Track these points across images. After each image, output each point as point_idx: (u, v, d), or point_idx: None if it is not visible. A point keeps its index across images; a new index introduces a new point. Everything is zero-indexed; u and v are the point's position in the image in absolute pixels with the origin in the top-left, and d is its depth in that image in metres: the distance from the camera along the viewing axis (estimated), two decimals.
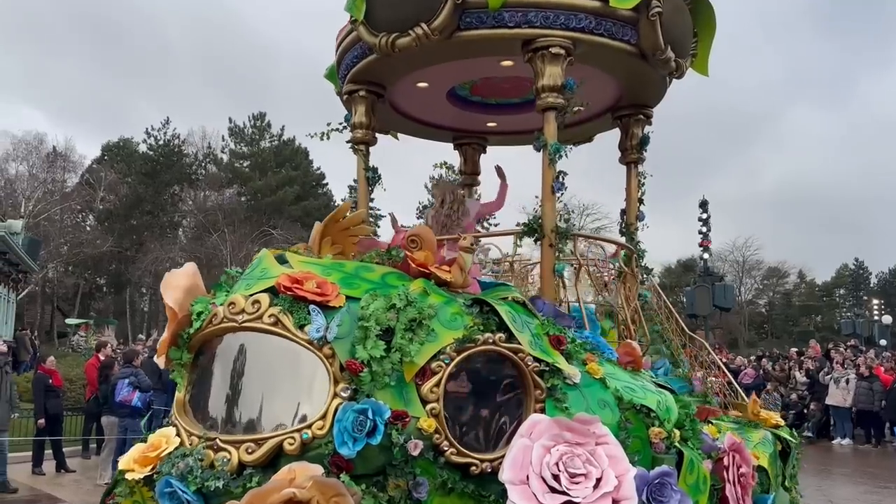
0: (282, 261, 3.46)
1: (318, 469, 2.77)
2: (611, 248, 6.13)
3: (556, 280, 4.77)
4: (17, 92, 65.71)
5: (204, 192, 48.20)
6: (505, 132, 6.96)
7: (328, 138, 5.56)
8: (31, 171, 42.47)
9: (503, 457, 2.94)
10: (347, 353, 2.93)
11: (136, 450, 3.28)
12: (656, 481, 3.06)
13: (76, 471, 11.22)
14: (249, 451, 2.90)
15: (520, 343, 3.17)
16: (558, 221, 4.52)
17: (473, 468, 2.95)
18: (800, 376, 17.47)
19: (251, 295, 3.17)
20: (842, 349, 18.63)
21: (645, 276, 6.02)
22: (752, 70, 78.86)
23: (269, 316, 3.07)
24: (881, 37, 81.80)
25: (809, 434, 15.99)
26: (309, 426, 2.85)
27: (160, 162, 47.71)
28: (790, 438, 5.05)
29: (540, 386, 3.13)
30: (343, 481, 2.74)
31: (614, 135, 6.33)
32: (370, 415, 2.77)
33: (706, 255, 25.65)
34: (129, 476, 3.17)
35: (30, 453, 10.99)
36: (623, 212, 6.16)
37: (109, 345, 15.39)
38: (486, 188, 7.12)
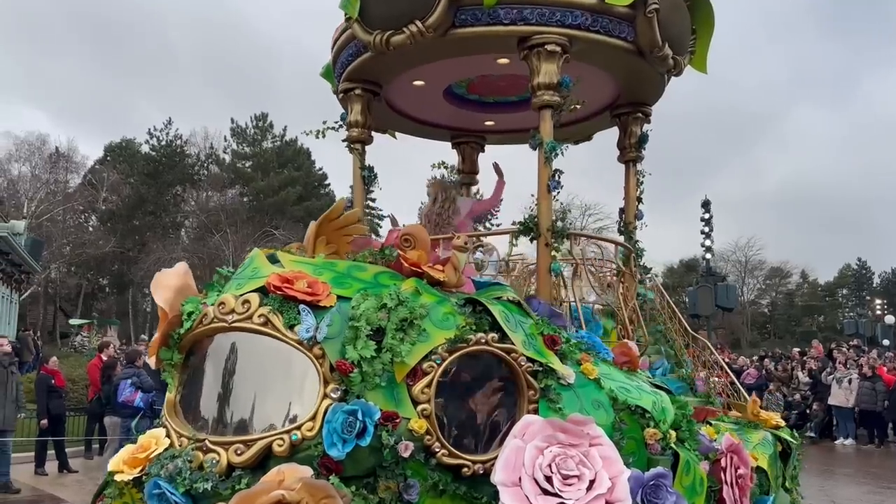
0: (273, 260, 3.43)
1: (307, 471, 2.74)
2: (612, 248, 6.09)
3: (556, 279, 4.73)
4: (19, 92, 65.98)
5: (206, 193, 48.24)
6: (503, 131, 6.92)
7: (323, 136, 5.52)
8: (34, 172, 42.56)
9: (496, 458, 2.91)
10: (338, 354, 2.90)
11: (126, 451, 3.26)
12: (651, 483, 3.02)
13: (79, 471, 11.23)
14: (238, 452, 2.87)
15: (513, 343, 3.13)
16: (554, 220, 4.47)
17: (465, 470, 2.92)
18: (802, 376, 17.41)
19: (241, 295, 3.14)
20: (844, 349, 18.55)
21: (643, 275, 5.97)
22: (755, 70, 78.78)
23: (259, 316, 3.04)
24: (885, 36, 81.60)
25: (812, 434, 15.94)
26: (298, 427, 2.82)
27: (162, 162, 47.79)
28: (790, 439, 5.00)
29: (533, 386, 3.10)
30: (332, 483, 2.71)
31: (615, 133, 6.29)
32: (360, 416, 2.74)
33: (708, 255, 25.59)
34: (118, 477, 3.15)
35: (32, 454, 11.02)
36: (622, 211, 6.12)
37: (112, 345, 15.41)
38: (486, 187, 7.08)
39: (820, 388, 16.42)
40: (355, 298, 3.05)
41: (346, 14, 4.80)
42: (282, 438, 2.81)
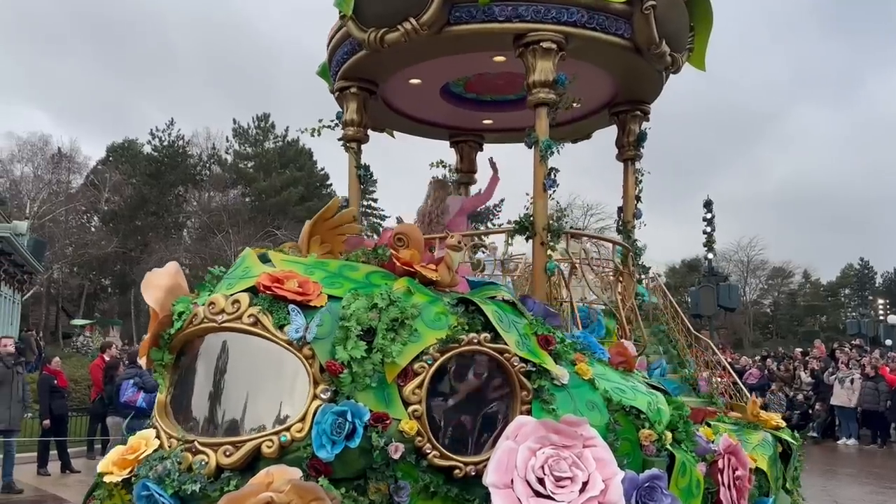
0: (264, 260, 3.40)
1: (296, 472, 2.71)
2: (611, 247, 6.06)
3: (557, 279, 4.69)
4: (21, 93, 66.06)
5: (208, 193, 48.26)
6: (501, 129, 6.88)
7: (319, 134, 5.50)
8: (36, 173, 42.61)
9: (488, 460, 2.87)
10: (328, 354, 2.87)
11: (116, 452, 3.24)
12: (646, 485, 2.98)
13: (81, 471, 11.22)
14: (227, 453, 2.84)
15: (506, 343, 3.09)
16: (550, 219, 4.43)
17: (457, 471, 2.88)
18: (805, 376, 17.34)
19: (231, 294, 3.11)
20: (846, 349, 18.47)
21: (642, 274, 5.94)
22: (757, 69, 78.57)
23: (249, 316, 3.01)
24: (888, 36, 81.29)
25: (815, 434, 15.88)
26: (287, 429, 2.79)
27: (165, 163, 47.79)
28: (791, 440, 4.95)
29: (526, 387, 3.06)
30: (322, 485, 2.68)
31: (615, 132, 6.25)
32: (349, 417, 2.71)
33: (711, 255, 25.53)
34: (107, 479, 3.14)
35: (35, 454, 11.01)
36: (620, 209, 6.08)
37: (114, 345, 15.41)
38: (484, 185, 7.03)
39: (822, 388, 16.36)
40: (346, 298, 3.02)
41: (340, 12, 4.77)
42: (271, 440, 2.79)
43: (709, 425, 4.25)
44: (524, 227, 4.41)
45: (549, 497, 2.71)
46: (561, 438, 2.87)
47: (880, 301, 41.11)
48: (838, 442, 15.55)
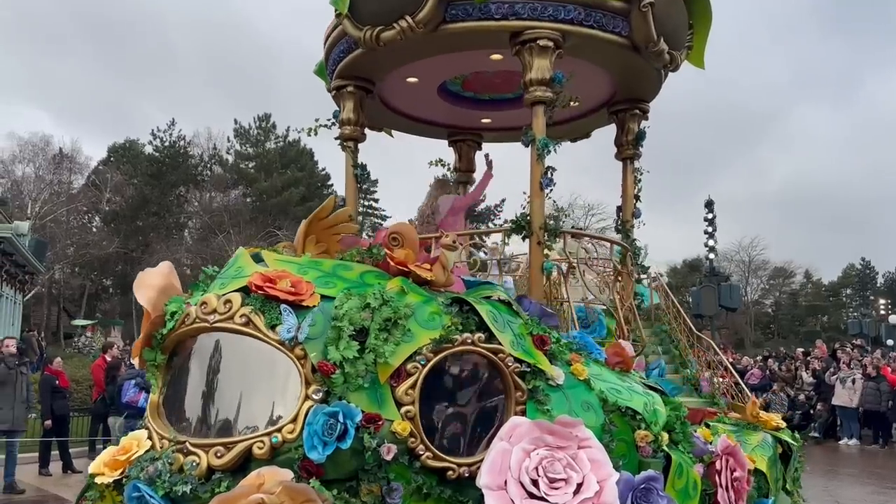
0: (258, 259, 3.37)
1: (287, 474, 2.68)
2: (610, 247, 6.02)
3: (558, 278, 4.66)
4: (22, 93, 66.14)
5: (209, 194, 48.29)
6: (499, 128, 6.86)
7: (315, 134, 5.48)
8: (38, 173, 42.67)
9: (482, 461, 2.84)
10: (320, 354, 2.84)
11: (107, 453, 3.21)
12: (642, 486, 2.94)
13: (83, 472, 11.19)
14: (218, 454, 2.81)
15: (500, 343, 3.06)
16: (547, 218, 4.40)
17: (451, 473, 2.85)
18: (806, 376, 17.30)
19: (223, 294, 3.08)
20: (848, 349, 18.42)
21: (641, 274, 5.90)
22: (758, 69, 78.48)
23: (241, 316, 2.97)
24: (887, 37, 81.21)
25: (816, 434, 15.84)
26: (279, 430, 2.76)
27: (166, 163, 47.81)
28: (791, 441, 4.92)
29: (521, 387, 3.03)
30: (313, 486, 2.65)
31: (614, 131, 6.21)
32: (341, 418, 2.68)
33: (712, 255, 25.49)
34: (98, 480, 3.11)
35: (36, 454, 11.03)
36: (619, 209, 6.05)
37: (116, 346, 15.42)
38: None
39: (824, 388, 16.32)
40: (338, 298, 2.99)
41: (336, 10, 4.74)
42: (262, 441, 2.75)
43: (707, 426, 4.22)
44: (521, 226, 4.38)
45: (542, 499, 2.68)
46: (555, 439, 2.84)
47: (882, 301, 41.06)
48: (840, 442, 15.52)
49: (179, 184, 47.82)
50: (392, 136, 6.96)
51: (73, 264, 41.96)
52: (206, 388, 3.05)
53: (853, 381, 15.34)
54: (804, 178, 73.11)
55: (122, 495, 2.99)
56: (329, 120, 5.59)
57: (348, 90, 5.29)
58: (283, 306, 2.93)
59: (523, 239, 4.40)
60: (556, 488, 2.71)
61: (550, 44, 4.36)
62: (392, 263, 3.33)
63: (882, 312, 37.71)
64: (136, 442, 3.15)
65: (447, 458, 2.85)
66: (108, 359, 12.37)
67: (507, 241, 4.57)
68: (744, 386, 6.38)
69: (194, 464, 2.83)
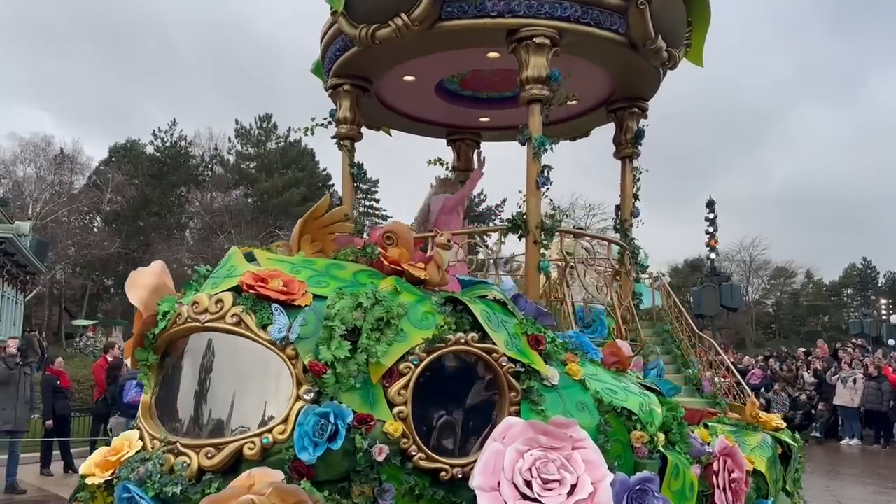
0: (250, 258, 3.34)
1: (278, 475, 2.65)
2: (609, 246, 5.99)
3: (558, 278, 4.62)
4: (23, 94, 66.24)
5: (211, 194, 48.28)
6: (498, 127, 6.83)
7: (312, 133, 5.45)
8: (39, 173, 42.73)
9: (475, 462, 2.81)
10: (311, 354, 2.81)
11: (99, 453, 3.19)
12: (637, 487, 2.91)
13: None
14: (209, 455, 2.78)
15: (494, 343, 3.03)
16: (543, 217, 4.37)
17: (443, 474, 2.81)
18: (807, 376, 17.26)
19: (215, 294, 3.05)
20: (849, 349, 18.36)
21: (640, 273, 5.87)
22: (759, 69, 78.42)
23: (232, 315, 2.94)
24: (890, 36, 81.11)
25: (818, 434, 15.80)
26: (270, 430, 2.73)
27: (167, 163, 47.82)
28: (791, 442, 4.88)
29: (515, 388, 2.99)
30: (304, 488, 2.62)
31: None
32: (332, 418, 2.65)
33: (713, 255, 25.46)
34: (89, 480, 3.09)
35: (38, 454, 11.04)
36: (618, 208, 6.02)
37: (117, 346, 15.39)
38: (482, 184, 6.98)
39: (825, 388, 16.27)
40: (330, 297, 2.96)
41: (331, 8, 4.71)
42: (253, 442, 2.72)
43: (706, 427, 4.18)
44: (517, 225, 4.34)
45: (536, 500, 2.64)
46: (550, 440, 2.80)
47: (883, 301, 40.96)
48: (841, 442, 15.48)
49: (181, 184, 47.82)
50: (391, 135, 6.94)
51: (75, 264, 41.99)
52: (198, 388, 3.03)
53: (854, 381, 15.30)
54: (805, 177, 73.11)
55: (112, 496, 2.96)
56: (325, 119, 5.56)
57: (345, 89, 5.26)
58: (274, 306, 2.90)
59: (519, 238, 4.36)
60: (550, 489, 2.67)
61: (547, 41, 4.34)
62: (386, 262, 3.30)
63: (883, 312, 37.62)
64: (128, 442, 3.13)
65: (440, 458, 2.82)
66: (110, 359, 12.36)
67: (503, 240, 4.54)
68: (745, 386, 6.35)
69: (185, 465, 2.80)
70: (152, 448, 2.97)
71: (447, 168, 7.09)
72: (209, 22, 72.71)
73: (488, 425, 2.93)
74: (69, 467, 11.12)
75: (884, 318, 36.28)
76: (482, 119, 6.69)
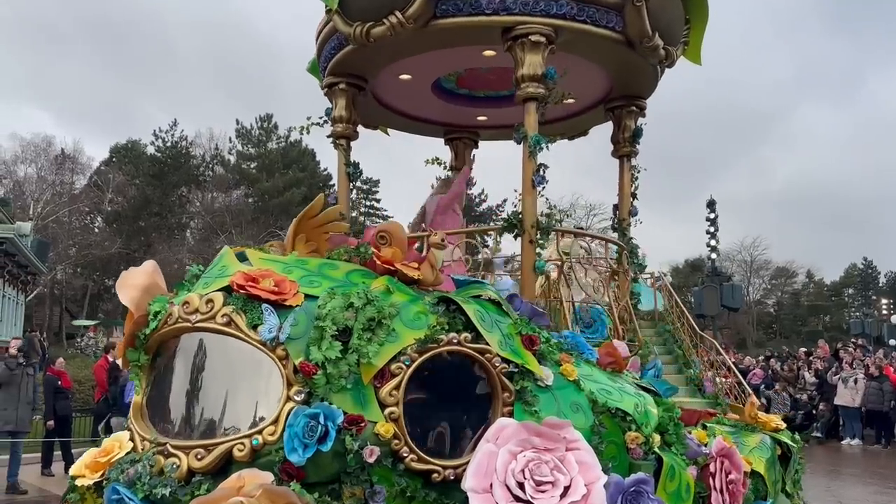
0: (242, 258, 3.31)
1: (268, 476, 2.62)
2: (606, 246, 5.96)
3: (558, 278, 4.58)
4: (24, 94, 66.29)
5: (211, 194, 48.26)
6: (496, 126, 6.79)
7: (307, 132, 5.42)
8: (40, 174, 42.76)
9: (468, 463, 2.77)
10: (302, 355, 2.78)
11: (89, 455, 3.17)
12: (632, 489, 2.87)
13: None
14: (199, 457, 2.76)
15: (488, 343, 2.99)
16: (539, 216, 4.33)
17: (435, 475, 2.78)
18: (808, 376, 17.21)
19: (206, 294, 3.02)
20: (850, 349, 18.31)
21: (638, 273, 5.83)
22: (760, 68, 78.36)
23: (223, 315, 2.92)
24: (890, 35, 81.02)
25: (819, 434, 15.76)
26: (260, 432, 2.70)
27: (168, 164, 47.82)
28: (790, 442, 4.84)
29: (508, 388, 2.96)
30: (294, 489, 2.59)
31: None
32: (322, 420, 2.62)
33: (714, 255, 25.42)
34: (79, 482, 3.07)
35: (39, 454, 11.01)
36: (615, 207, 5.98)
37: (118, 346, 15.34)
38: (481, 183, 6.96)
39: (826, 388, 16.22)
40: (322, 297, 2.93)
41: (326, 6, 4.68)
42: (242, 443, 2.70)
43: (704, 427, 4.15)
44: (512, 224, 4.30)
45: (528, 502, 2.61)
46: (543, 441, 2.77)
47: (884, 301, 40.89)
48: (842, 442, 15.43)
49: (181, 184, 47.82)
50: (388, 134, 6.91)
51: (75, 265, 42.00)
52: (188, 389, 3.00)
53: (855, 381, 15.25)
54: (806, 177, 73.06)
55: (101, 498, 2.94)
56: (321, 118, 5.53)
57: (340, 87, 5.24)
58: (264, 306, 2.87)
59: (515, 238, 4.33)
60: (543, 491, 2.64)
61: (543, 39, 4.30)
62: (378, 262, 3.27)
63: (884, 312, 37.54)
64: (118, 443, 3.10)
65: (432, 460, 2.79)
66: (111, 359, 12.32)
67: (498, 239, 4.50)
68: (746, 386, 6.32)
69: (174, 466, 2.78)
70: (143, 449, 2.94)
71: (445, 168, 7.05)
72: (209, 22, 72.76)
73: (481, 426, 2.90)
74: (70, 468, 11.09)
75: (885, 317, 36.20)
76: (480, 118, 6.66)
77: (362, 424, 2.69)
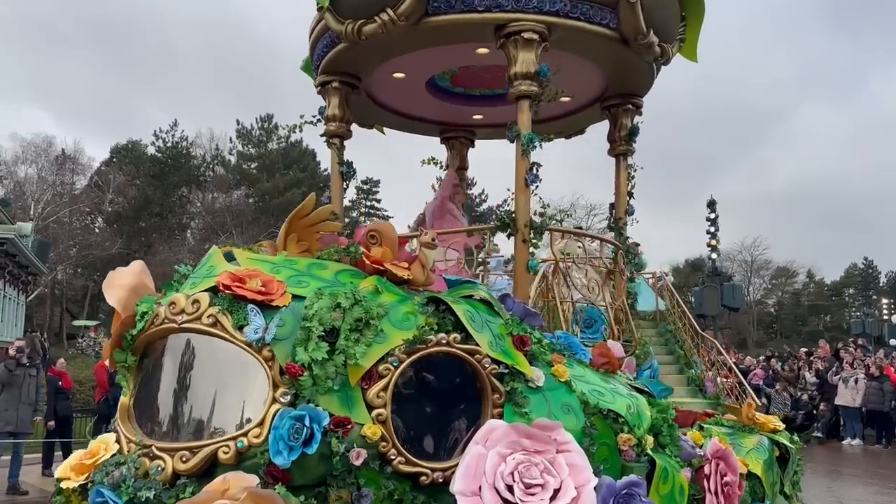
0: (230, 258, 3.27)
1: (253, 479, 2.58)
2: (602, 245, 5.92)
3: (557, 278, 4.54)
4: (24, 94, 66.36)
5: (212, 194, 48.27)
6: (492, 125, 6.76)
7: (300, 130, 5.40)
8: (40, 174, 42.81)
9: (457, 466, 2.73)
10: (288, 356, 2.74)
11: (75, 457, 3.13)
12: (623, 492, 2.83)
13: None
14: (184, 459, 2.71)
15: (477, 344, 2.95)
16: (533, 215, 4.29)
17: (424, 478, 2.74)
18: (809, 376, 17.18)
19: (192, 294, 2.98)
20: (851, 349, 18.26)
21: (635, 272, 5.79)
22: (761, 68, 78.29)
23: (208, 316, 2.87)
24: (891, 35, 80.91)
25: (819, 434, 15.74)
26: (245, 434, 2.66)
27: (168, 164, 47.83)
28: (789, 444, 4.80)
29: (498, 389, 2.92)
30: (279, 492, 2.55)
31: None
32: (307, 422, 2.57)
33: (714, 255, 25.38)
34: (63, 484, 3.03)
35: (39, 455, 11.03)
36: (612, 206, 5.94)
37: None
38: (480, 184, 6.94)
39: (827, 388, 16.20)
40: (309, 298, 2.88)
41: (318, 4, 4.65)
42: (227, 445, 2.65)
43: (701, 428, 4.11)
44: (505, 223, 4.26)
45: None
46: (533, 443, 2.73)
47: (884, 301, 40.81)
48: (843, 442, 15.41)
49: (182, 184, 47.83)
50: (384, 133, 6.88)
51: (76, 265, 42.02)
52: (174, 390, 2.96)
53: (856, 381, 15.21)
54: (807, 177, 73.01)
55: (87, 500, 2.90)
56: (314, 116, 5.50)
57: (333, 86, 5.20)
58: (249, 306, 2.83)
59: (508, 237, 4.29)
60: (532, 494, 2.60)
61: (535, 36, 4.26)
62: (368, 262, 3.23)
63: (885, 312, 37.46)
64: (104, 445, 3.06)
65: (420, 462, 2.75)
66: None
67: (491, 238, 4.46)
68: (747, 386, 6.29)
69: (159, 468, 2.74)
70: (128, 451, 2.90)
71: (441, 167, 7.02)
72: (209, 22, 72.82)
73: (470, 428, 2.86)
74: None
75: (885, 317, 36.13)
76: (476, 116, 6.62)
77: (349, 426, 2.64)
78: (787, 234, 66.07)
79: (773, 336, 50.29)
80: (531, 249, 4.28)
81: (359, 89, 5.36)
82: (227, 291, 2.90)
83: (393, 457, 2.70)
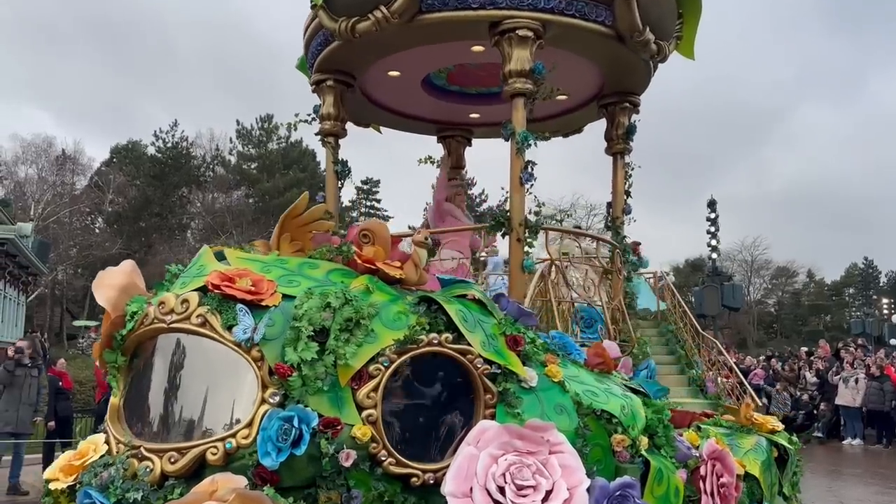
0: (220, 257, 3.24)
1: (241, 481, 2.55)
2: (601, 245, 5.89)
3: (556, 277, 4.51)
4: (24, 94, 66.39)
5: (212, 194, 48.29)
6: (489, 123, 6.72)
7: (295, 129, 5.35)
8: (41, 174, 42.84)
9: (448, 467, 2.70)
10: (277, 356, 2.71)
11: (64, 458, 3.11)
12: (617, 493, 2.79)
13: None
14: (172, 460, 2.69)
15: (470, 344, 2.92)
16: (528, 214, 4.26)
17: (415, 479, 2.71)
18: (810, 376, 17.14)
19: (181, 294, 2.95)
20: (851, 349, 18.22)
21: (630, 272, 5.75)
22: (761, 67, 78.26)
23: (197, 316, 2.85)
24: (891, 34, 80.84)
25: (820, 434, 15.71)
26: (233, 435, 2.63)
27: (168, 164, 47.85)
28: (787, 444, 4.76)
29: (490, 390, 2.88)
30: (268, 494, 2.52)
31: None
32: (296, 423, 2.54)
33: (714, 255, 25.36)
34: (52, 486, 3.01)
35: (40, 455, 10.99)
36: (609, 205, 5.91)
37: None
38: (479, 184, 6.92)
39: (827, 388, 16.16)
40: (299, 297, 2.85)
41: (311, 2, 4.62)
42: (216, 446, 2.63)
43: (698, 429, 4.07)
44: (500, 223, 4.23)
45: None
46: (525, 444, 2.70)
47: (885, 300, 40.76)
48: (843, 442, 15.38)
49: (182, 185, 47.85)
50: (380, 132, 6.85)
51: (76, 265, 42.03)
52: (163, 391, 2.93)
53: (857, 381, 15.18)
54: (807, 176, 72.97)
55: (75, 501, 2.88)
56: (309, 115, 5.47)
57: (328, 84, 5.17)
58: (238, 306, 2.80)
59: (503, 236, 4.25)
60: (524, 496, 2.57)
61: (530, 34, 4.22)
62: (360, 261, 3.20)
63: (885, 312, 37.41)
64: (94, 446, 3.04)
65: (411, 464, 2.72)
66: None
67: (485, 237, 4.43)
68: (748, 386, 6.26)
69: (148, 470, 2.71)
70: (117, 452, 2.88)
71: (438, 167, 6.99)
72: (209, 22, 72.83)
73: (462, 429, 2.82)
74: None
75: (885, 317, 36.07)
76: (472, 115, 6.59)
77: (338, 427, 2.61)
78: (787, 234, 66.09)
79: (774, 336, 50.23)
80: (526, 249, 4.23)
81: (354, 88, 5.33)
82: (216, 291, 2.87)
83: (383, 458, 2.67)
